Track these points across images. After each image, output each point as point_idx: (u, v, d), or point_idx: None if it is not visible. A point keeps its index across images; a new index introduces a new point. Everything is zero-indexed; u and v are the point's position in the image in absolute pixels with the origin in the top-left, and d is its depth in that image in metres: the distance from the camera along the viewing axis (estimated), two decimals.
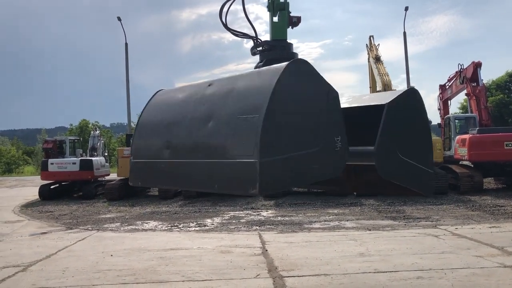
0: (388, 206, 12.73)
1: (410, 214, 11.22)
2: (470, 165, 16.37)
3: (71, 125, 54.91)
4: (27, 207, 15.60)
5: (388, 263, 6.24)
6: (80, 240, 9.07)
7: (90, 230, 10.37)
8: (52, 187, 18.29)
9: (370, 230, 9.00)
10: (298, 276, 5.73)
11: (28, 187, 23.96)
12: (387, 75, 20.91)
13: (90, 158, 18.58)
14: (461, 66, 18.95)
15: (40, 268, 6.72)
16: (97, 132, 21.53)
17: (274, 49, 4.57)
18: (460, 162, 16.48)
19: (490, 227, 8.90)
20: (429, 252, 6.91)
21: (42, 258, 7.39)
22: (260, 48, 4.62)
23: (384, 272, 5.83)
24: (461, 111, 42.12)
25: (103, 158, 19.73)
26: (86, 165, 17.73)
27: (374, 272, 5.81)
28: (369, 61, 24.52)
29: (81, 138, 24.25)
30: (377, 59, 22.76)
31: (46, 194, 17.73)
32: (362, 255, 6.79)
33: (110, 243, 8.62)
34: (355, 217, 10.80)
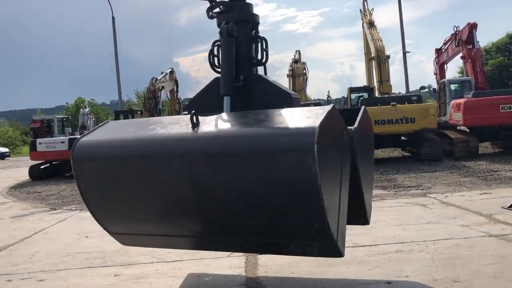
0: (381, 175, 12.45)
1: (401, 182, 10.94)
2: (466, 130, 16.02)
3: (67, 103, 54.52)
4: (16, 189, 15.39)
5: (369, 236, 5.95)
6: (60, 222, 8.83)
7: (73, 210, 10.13)
8: (42, 167, 18.08)
9: None
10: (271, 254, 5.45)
11: (22, 168, 23.71)
12: (381, 41, 20.33)
13: (79, 136, 18.25)
14: (456, 28, 18.37)
15: (9, 253, 6.48)
16: (87, 109, 21.19)
17: (232, 10, 4.18)
18: (458, 127, 16.14)
19: (481, 194, 8.60)
20: (414, 223, 6.63)
21: (15, 242, 7.15)
22: (217, 10, 4.22)
23: (363, 246, 5.55)
24: (460, 75, 41.49)
25: None
26: None
27: (353, 247, 5.52)
28: (363, 27, 23.89)
29: (70, 117, 23.90)
30: (371, 24, 22.15)
31: (36, 175, 17.52)
32: None
33: (88, 223, 8.32)
34: None
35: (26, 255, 6.28)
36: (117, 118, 21.44)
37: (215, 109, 4.28)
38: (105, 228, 3.97)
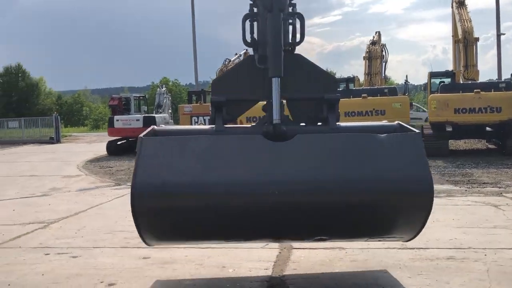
0: (456, 168, 11.43)
1: (477, 178, 9.91)
2: None
3: (153, 82, 56.97)
4: (92, 162, 16.23)
5: (421, 238, 5.25)
6: (117, 197, 9.07)
7: None
8: (118, 143, 18.91)
9: None
10: (308, 249, 5.08)
11: (104, 143, 25.11)
12: (469, 22, 18.55)
13: (153, 115, 18.83)
14: None
15: (60, 226, 6.71)
16: (163, 89, 21.76)
17: None
18: None
19: None
20: (478, 225, 5.88)
21: (70, 215, 7.42)
22: None
23: (410, 248, 4.98)
24: None
25: (167, 115, 19.94)
26: (149, 122, 17.95)
27: (399, 248, 4.98)
28: (452, 7, 22.01)
29: (146, 95, 24.77)
30: (460, 4, 20.28)
31: (112, 150, 18.37)
32: None
33: None
34: None
35: (73, 229, 6.46)
36: (189, 98, 21.88)
37: (246, 91, 3.96)
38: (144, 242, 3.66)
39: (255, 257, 4.88)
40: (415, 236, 3.77)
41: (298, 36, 4.01)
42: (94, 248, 5.47)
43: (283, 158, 3.21)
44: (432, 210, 3.73)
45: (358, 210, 3.28)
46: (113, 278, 4.36)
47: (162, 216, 3.27)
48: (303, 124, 3.84)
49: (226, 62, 21.03)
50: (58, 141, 26.50)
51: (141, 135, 3.43)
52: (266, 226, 3.33)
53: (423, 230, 3.55)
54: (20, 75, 58.83)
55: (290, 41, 3.95)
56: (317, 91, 3.86)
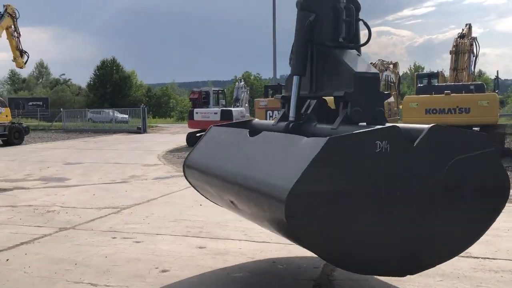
0: None
1: None
2: None
3: (235, 76, 58.28)
4: (171, 152, 17.01)
5: (489, 247, 4.98)
6: (188, 187, 9.38)
7: None
8: (198, 134, 19.59)
9: None
10: None
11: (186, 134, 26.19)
12: None
13: (231, 108, 19.29)
14: None
15: (131, 212, 7.13)
16: (242, 83, 22.22)
17: None
18: None
19: None
20: None
21: (141, 202, 7.86)
22: None
23: (474, 257, 4.67)
24: None
25: (244, 108, 20.32)
26: (226, 115, 18.49)
27: (462, 256, 4.65)
28: None
29: (225, 89, 25.37)
30: None
31: (192, 141, 19.09)
32: None
33: None
34: None
35: (142, 215, 6.83)
36: (265, 92, 22.06)
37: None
38: None
39: (309, 254, 4.83)
40: None
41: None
42: (156, 235, 5.75)
43: (244, 150, 3.65)
44: (506, 217, 3.46)
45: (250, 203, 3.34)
46: (167, 265, 4.57)
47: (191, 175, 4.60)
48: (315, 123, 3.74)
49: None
50: (144, 131, 28.08)
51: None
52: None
53: (493, 239, 3.27)
54: (114, 68, 63.06)
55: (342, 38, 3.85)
56: (340, 88, 3.67)
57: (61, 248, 5.20)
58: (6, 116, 20.63)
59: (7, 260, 4.78)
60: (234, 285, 4.15)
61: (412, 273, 3.31)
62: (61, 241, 5.53)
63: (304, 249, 4.84)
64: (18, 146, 20.38)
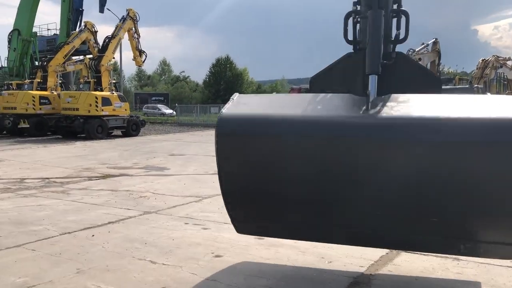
0: None
1: None
2: None
3: None
4: None
5: None
6: None
7: None
8: None
9: None
10: (418, 254, 4.86)
11: None
12: None
13: None
14: None
15: (210, 201, 7.66)
16: None
17: None
18: None
19: None
20: None
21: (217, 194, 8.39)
22: None
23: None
24: None
25: None
26: None
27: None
28: None
29: None
30: None
31: None
32: None
33: None
34: None
35: (218, 205, 7.17)
36: None
37: (342, 88, 4.09)
38: (231, 209, 4.08)
39: (358, 254, 4.90)
40: None
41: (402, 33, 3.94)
42: (224, 224, 6.18)
43: None
44: None
45: None
46: (222, 251, 4.97)
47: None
48: None
49: (411, 52, 20.08)
50: None
51: None
52: None
53: None
54: (228, 65, 65.97)
55: (392, 38, 3.93)
56: (419, 90, 3.74)
57: (139, 229, 5.88)
58: (125, 110, 22.91)
59: (93, 235, 5.57)
60: (272, 275, 4.39)
61: None
62: (141, 223, 6.23)
63: (355, 249, 4.91)
64: (135, 137, 22.55)
